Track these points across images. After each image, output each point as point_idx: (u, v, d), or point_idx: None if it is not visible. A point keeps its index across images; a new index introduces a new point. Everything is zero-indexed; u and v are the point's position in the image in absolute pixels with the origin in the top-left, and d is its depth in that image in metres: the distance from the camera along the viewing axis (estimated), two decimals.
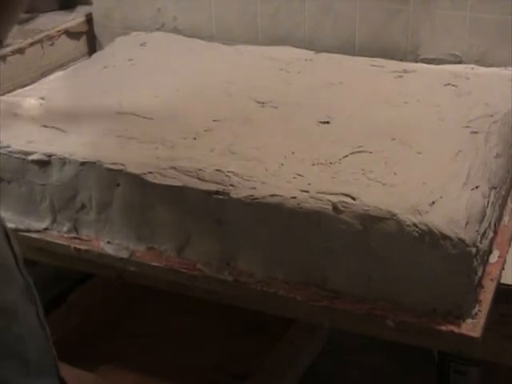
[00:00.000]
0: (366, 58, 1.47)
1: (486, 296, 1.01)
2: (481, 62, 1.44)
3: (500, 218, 1.13)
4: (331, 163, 1.09)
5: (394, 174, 1.06)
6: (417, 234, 0.97)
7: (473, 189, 1.04)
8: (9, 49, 1.56)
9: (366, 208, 1.00)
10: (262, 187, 1.06)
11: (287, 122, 1.22)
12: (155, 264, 1.13)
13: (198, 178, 1.09)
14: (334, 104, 1.28)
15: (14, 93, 1.41)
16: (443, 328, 0.97)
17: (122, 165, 1.13)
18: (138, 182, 1.12)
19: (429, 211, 0.98)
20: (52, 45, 1.67)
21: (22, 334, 0.75)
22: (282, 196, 1.04)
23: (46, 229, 1.21)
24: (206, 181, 1.08)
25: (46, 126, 1.24)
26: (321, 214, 1.02)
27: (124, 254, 1.15)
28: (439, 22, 1.48)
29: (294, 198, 1.03)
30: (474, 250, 0.96)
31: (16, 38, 1.61)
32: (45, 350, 0.79)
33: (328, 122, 1.21)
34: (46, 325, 0.80)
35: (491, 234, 1.06)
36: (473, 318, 0.97)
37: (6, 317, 0.74)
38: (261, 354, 1.34)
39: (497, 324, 1.07)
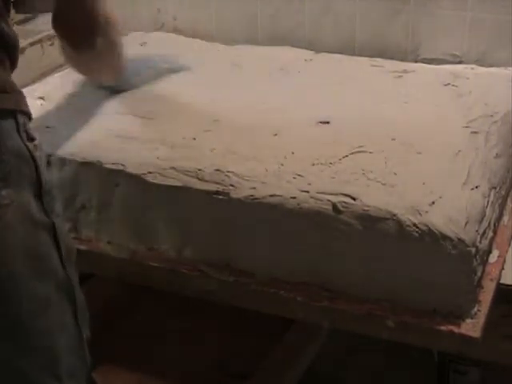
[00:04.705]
0: (366, 58, 1.47)
1: (486, 296, 1.01)
2: (481, 62, 1.45)
3: (500, 218, 1.13)
4: (331, 163, 1.09)
5: (394, 174, 1.06)
6: (417, 234, 0.97)
7: (472, 189, 1.04)
8: None
9: (366, 208, 1.00)
10: (262, 187, 1.06)
11: (287, 122, 1.22)
12: (155, 264, 1.13)
13: (198, 178, 1.09)
14: (334, 104, 1.28)
15: None
16: (443, 328, 0.97)
17: (122, 165, 1.13)
18: (138, 182, 1.12)
19: (428, 211, 0.98)
20: (52, 45, 1.66)
21: (51, 328, 0.73)
22: (281, 196, 1.04)
23: None
24: (206, 181, 1.08)
25: (46, 126, 1.24)
26: (321, 214, 1.02)
27: (124, 254, 1.15)
28: (439, 22, 1.48)
29: (294, 198, 1.03)
30: (473, 250, 0.96)
31: None
32: (78, 352, 0.77)
33: (328, 122, 1.21)
34: (83, 327, 0.78)
35: (491, 234, 1.06)
36: (472, 318, 0.98)
37: (34, 307, 0.72)
38: (261, 354, 1.34)
39: (497, 324, 1.07)
